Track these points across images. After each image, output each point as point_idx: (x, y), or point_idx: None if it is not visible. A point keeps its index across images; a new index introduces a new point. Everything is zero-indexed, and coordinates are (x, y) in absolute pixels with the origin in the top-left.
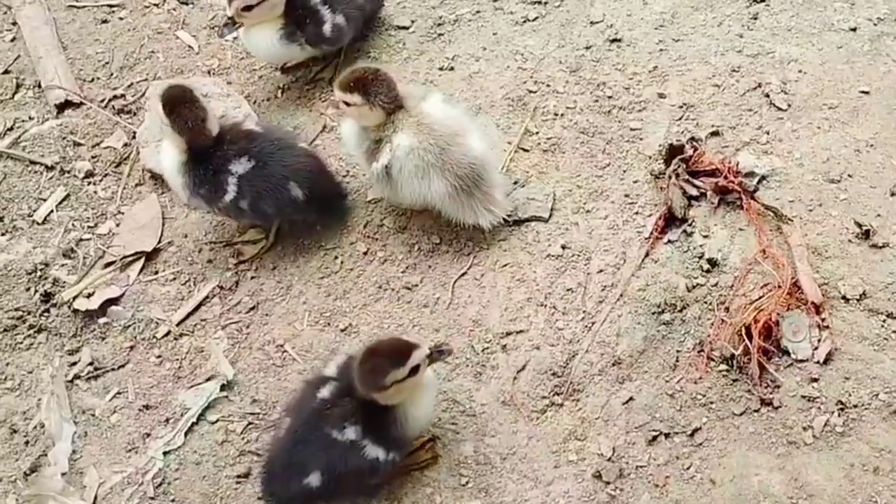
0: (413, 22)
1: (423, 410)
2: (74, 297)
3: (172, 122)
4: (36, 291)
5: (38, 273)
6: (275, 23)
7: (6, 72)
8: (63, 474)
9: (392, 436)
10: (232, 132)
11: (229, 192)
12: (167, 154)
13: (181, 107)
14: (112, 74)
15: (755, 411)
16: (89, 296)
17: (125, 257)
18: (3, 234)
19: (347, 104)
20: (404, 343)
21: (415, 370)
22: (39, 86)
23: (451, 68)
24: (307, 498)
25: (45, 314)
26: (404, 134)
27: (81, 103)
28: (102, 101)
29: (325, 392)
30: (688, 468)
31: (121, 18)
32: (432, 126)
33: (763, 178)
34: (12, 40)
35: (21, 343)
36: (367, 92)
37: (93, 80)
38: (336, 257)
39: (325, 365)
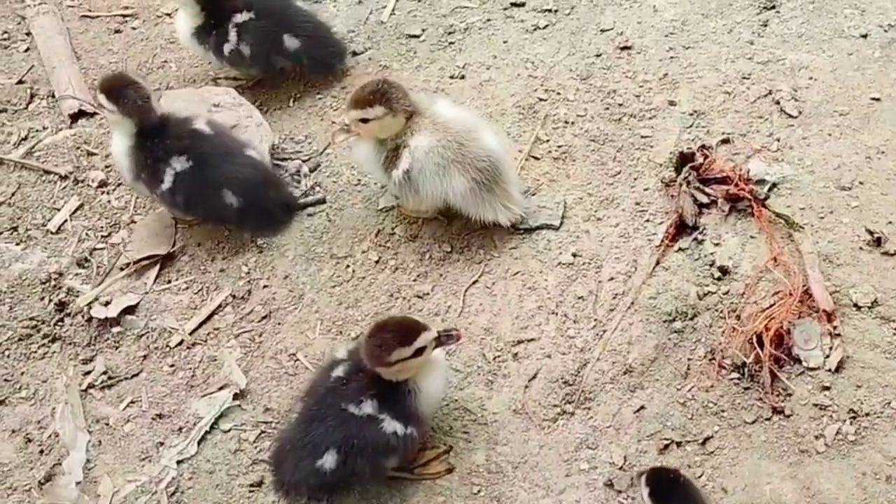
0: (424, 31)
1: (434, 386)
2: (90, 304)
3: (120, 106)
4: (50, 301)
5: (53, 282)
6: (195, 14)
7: (20, 82)
8: (77, 483)
9: (408, 410)
10: (180, 126)
11: (165, 183)
12: (115, 142)
13: (125, 89)
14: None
15: (767, 420)
16: (107, 303)
17: (139, 261)
18: (17, 244)
19: (366, 120)
20: (414, 323)
21: (420, 351)
22: (53, 96)
23: (462, 76)
24: (319, 484)
25: (60, 323)
26: (421, 135)
27: (95, 113)
28: None
29: (339, 371)
30: (699, 477)
31: (133, 28)
32: (447, 124)
33: (774, 185)
34: (26, 50)
35: (35, 352)
36: (387, 101)
37: None
38: (348, 266)
39: (336, 350)
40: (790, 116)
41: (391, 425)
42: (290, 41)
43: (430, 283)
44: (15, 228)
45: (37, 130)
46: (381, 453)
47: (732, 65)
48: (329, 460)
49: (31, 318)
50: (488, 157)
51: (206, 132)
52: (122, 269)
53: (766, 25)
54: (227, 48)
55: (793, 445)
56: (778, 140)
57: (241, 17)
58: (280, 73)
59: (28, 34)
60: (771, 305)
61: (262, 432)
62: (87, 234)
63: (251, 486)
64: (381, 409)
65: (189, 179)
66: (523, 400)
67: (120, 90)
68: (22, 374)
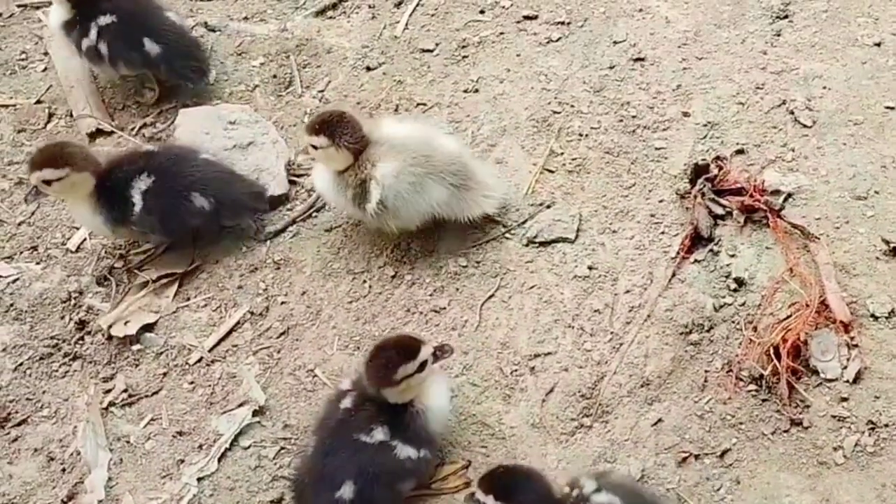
0: (437, 45)
1: (440, 403)
2: (111, 325)
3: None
4: (70, 319)
5: (73, 301)
6: (67, 9)
7: (38, 101)
8: (100, 501)
9: (419, 433)
10: (128, 157)
11: (136, 205)
12: (76, 209)
13: (76, 153)
14: (141, 103)
15: (785, 431)
16: (126, 322)
17: (158, 278)
18: (37, 263)
19: (315, 147)
20: (412, 339)
21: (423, 366)
22: (71, 115)
23: (476, 90)
24: None
25: (80, 342)
26: (384, 162)
27: (112, 132)
28: (133, 129)
29: (346, 402)
30: (718, 489)
31: None
32: (405, 142)
33: (789, 195)
34: (44, 70)
35: (56, 371)
36: (332, 134)
37: (123, 108)
38: (364, 281)
39: (340, 381)
40: (804, 126)
41: (404, 451)
42: (151, 46)
43: (446, 297)
44: (35, 248)
45: None
46: (397, 479)
47: (746, 75)
48: (347, 491)
49: (52, 337)
50: (456, 160)
51: (154, 150)
52: (140, 289)
53: (779, 35)
54: (85, 44)
55: (811, 457)
56: (792, 150)
57: (104, 20)
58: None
59: (45, 54)
60: (788, 317)
61: (282, 448)
62: (105, 252)
63: (271, 502)
64: (392, 435)
65: (156, 194)
66: (541, 414)
67: (72, 157)
68: (43, 392)
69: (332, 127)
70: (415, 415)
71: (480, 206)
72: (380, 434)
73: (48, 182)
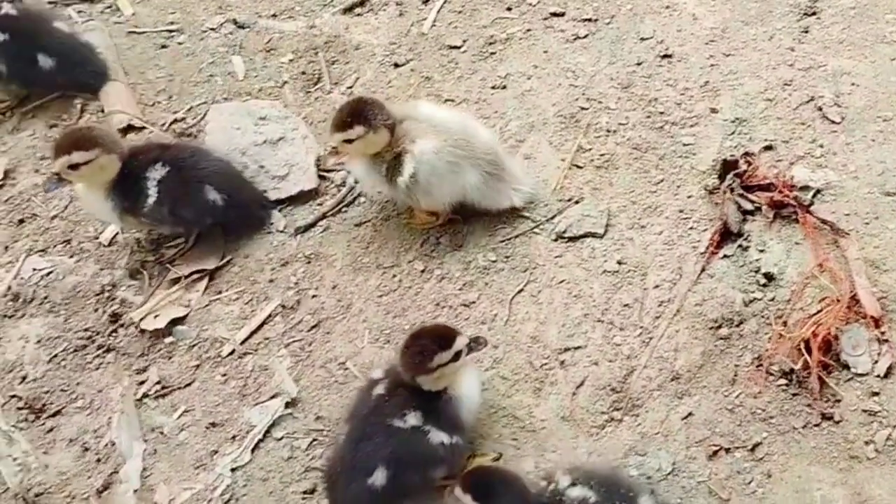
0: (465, 41)
1: (471, 392)
2: (142, 318)
3: (105, 150)
4: (104, 312)
5: (106, 294)
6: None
7: (71, 97)
8: (135, 491)
9: (451, 419)
10: (145, 147)
11: (150, 196)
12: (88, 196)
13: (104, 135)
14: (172, 98)
15: (816, 426)
16: (156, 316)
17: (189, 275)
18: (70, 257)
19: (350, 140)
20: (448, 329)
21: (458, 355)
22: (103, 110)
23: (504, 87)
24: (373, 499)
25: (114, 334)
26: (424, 139)
27: (143, 127)
28: (163, 124)
29: (379, 389)
30: (749, 483)
31: (179, 43)
32: (445, 124)
33: (818, 191)
34: None
35: (91, 363)
36: (365, 119)
37: (153, 104)
38: (394, 276)
39: (372, 372)
40: (833, 122)
41: (437, 436)
42: (44, 60)
43: (475, 291)
44: (68, 241)
45: None
46: (430, 465)
47: (774, 71)
48: (379, 477)
49: (86, 330)
50: (491, 150)
51: (171, 142)
52: (172, 284)
53: (806, 32)
54: None
55: (843, 451)
56: (821, 146)
57: None
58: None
59: None
60: (818, 312)
61: (314, 440)
62: (138, 246)
63: (304, 493)
64: (425, 420)
65: (170, 184)
66: (571, 407)
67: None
68: (78, 384)
69: (363, 113)
70: (447, 401)
71: (510, 198)
72: (413, 419)
73: (76, 166)
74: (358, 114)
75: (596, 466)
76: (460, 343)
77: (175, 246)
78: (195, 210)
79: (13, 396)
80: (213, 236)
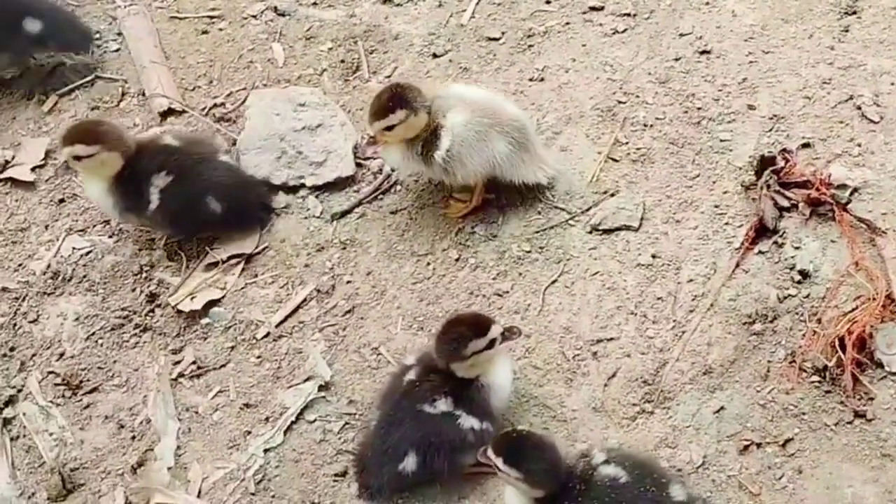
0: (503, 34)
1: (502, 381)
2: (179, 300)
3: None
4: (141, 292)
5: (144, 274)
6: None
7: (112, 80)
8: (169, 468)
9: (482, 406)
10: (150, 146)
11: (153, 203)
12: (91, 187)
13: (109, 132)
14: (212, 83)
15: (848, 423)
16: (193, 297)
17: (226, 259)
18: (110, 237)
19: (391, 127)
20: (483, 317)
21: (492, 343)
22: (143, 94)
23: (541, 79)
24: (402, 487)
25: (150, 314)
26: (454, 112)
27: (183, 111)
28: (203, 109)
29: (410, 375)
30: (780, 478)
31: (220, 29)
32: (474, 98)
33: (855, 190)
34: (117, 50)
35: (128, 341)
36: (407, 103)
37: (194, 88)
38: (428, 263)
39: (405, 358)
40: (871, 122)
41: (467, 421)
42: (31, 24)
43: (509, 281)
44: (107, 222)
45: (128, 127)
46: (459, 450)
47: (813, 70)
48: (410, 462)
49: (123, 309)
50: (518, 121)
51: (176, 144)
52: (210, 268)
53: (846, 31)
54: None
55: (875, 449)
56: (859, 145)
57: None
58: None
59: (119, 34)
60: (853, 309)
61: (347, 423)
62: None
63: (335, 475)
64: (455, 406)
65: (173, 192)
66: (603, 398)
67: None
68: (115, 362)
69: (403, 98)
70: (479, 388)
71: (535, 174)
72: (443, 405)
73: (78, 158)
74: (399, 98)
75: (633, 451)
76: (495, 331)
77: None
78: (193, 220)
79: (51, 373)
80: (250, 221)
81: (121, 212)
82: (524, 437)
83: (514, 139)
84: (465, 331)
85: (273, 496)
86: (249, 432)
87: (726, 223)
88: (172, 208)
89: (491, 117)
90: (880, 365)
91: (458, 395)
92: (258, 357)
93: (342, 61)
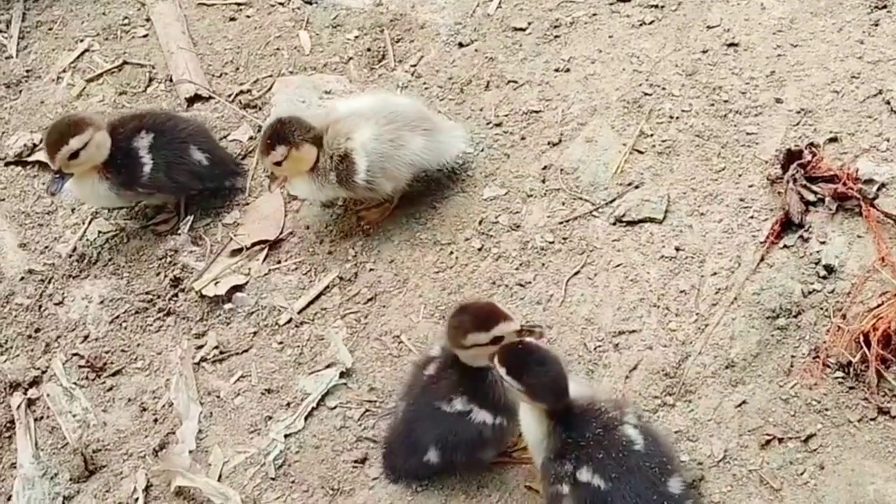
0: (530, 24)
1: None
2: (203, 286)
3: (96, 127)
4: (166, 276)
5: (168, 259)
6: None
7: (140, 66)
8: (190, 452)
9: (496, 400)
10: (118, 122)
11: (146, 165)
12: (83, 184)
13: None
14: (239, 70)
15: (872, 419)
16: (217, 283)
17: (250, 246)
18: (135, 221)
19: (278, 163)
20: (496, 311)
21: (497, 340)
22: (171, 80)
23: (567, 70)
24: (428, 473)
25: (174, 298)
26: (359, 132)
27: (210, 97)
28: (230, 95)
29: (430, 369)
30: (801, 474)
31: (248, 17)
32: (369, 107)
33: (883, 185)
34: (145, 36)
35: (151, 325)
36: (283, 139)
37: (221, 75)
38: (451, 252)
39: (431, 348)
40: None
41: (480, 415)
42: None
43: (531, 272)
44: (133, 206)
45: None
46: (477, 447)
47: (841, 64)
48: (433, 455)
49: (147, 293)
50: (417, 109)
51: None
52: (234, 255)
53: (877, 25)
54: None
55: None
56: (887, 140)
57: None
58: None
59: (147, 20)
60: (878, 305)
61: (367, 411)
62: (201, 212)
63: (355, 462)
64: (470, 402)
65: (160, 148)
66: (624, 390)
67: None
68: (138, 345)
69: (281, 134)
70: (493, 383)
71: (454, 146)
72: (459, 404)
73: (76, 153)
74: (277, 135)
75: (661, 432)
76: (503, 329)
77: (166, 221)
78: (188, 171)
79: (75, 354)
80: (273, 204)
81: (118, 191)
82: (527, 349)
83: (425, 129)
84: (468, 321)
85: (293, 481)
86: (270, 417)
87: (751, 217)
88: (165, 162)
89: (395, 120)
90: None
91: (474, 389)
92: (280, 343)
93: (368, 50)
